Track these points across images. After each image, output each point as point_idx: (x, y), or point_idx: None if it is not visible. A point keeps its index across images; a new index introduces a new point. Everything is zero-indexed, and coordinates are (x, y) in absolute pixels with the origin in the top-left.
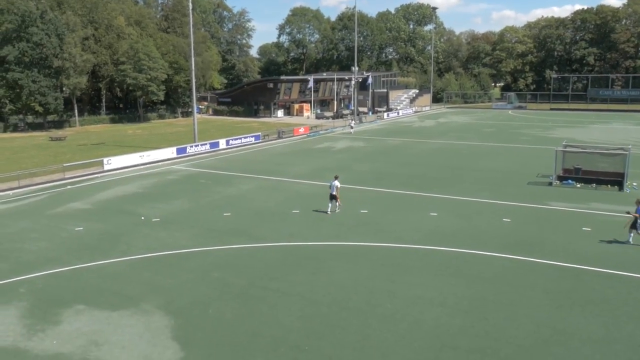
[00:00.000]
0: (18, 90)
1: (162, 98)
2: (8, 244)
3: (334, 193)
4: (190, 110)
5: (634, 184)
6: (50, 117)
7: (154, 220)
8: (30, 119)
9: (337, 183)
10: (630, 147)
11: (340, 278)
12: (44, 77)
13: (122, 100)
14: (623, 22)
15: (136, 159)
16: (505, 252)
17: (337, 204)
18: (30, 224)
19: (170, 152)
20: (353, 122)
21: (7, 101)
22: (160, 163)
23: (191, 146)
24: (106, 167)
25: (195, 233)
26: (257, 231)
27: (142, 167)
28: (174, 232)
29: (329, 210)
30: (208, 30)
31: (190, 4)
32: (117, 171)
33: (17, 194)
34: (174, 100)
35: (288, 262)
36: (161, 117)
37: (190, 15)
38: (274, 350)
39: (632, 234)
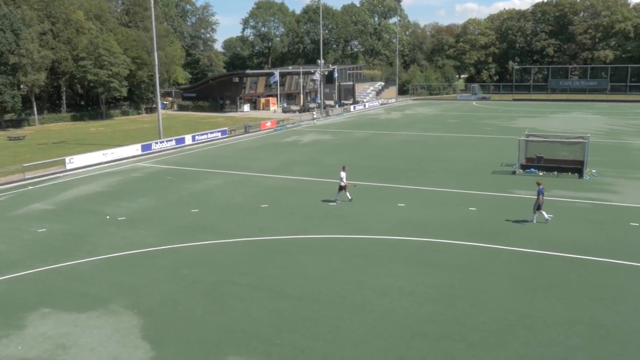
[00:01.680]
0: None
1: (125, 94)
2: None
3: (342, 184)
4: (154, 106)
5: (593, 171)
6: (7, 116)
7: (119, 219)
8: None
9: (342, 174)
10: (589, 135)
11: (310, 271)
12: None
13: (83, 97)
14: (580, 15)
15: (99, 157)
16: (472, 240)
17: (347, 194)
18: None
19: (134, 150)
20: (316, 113)
21: None
22: (124, 161)
23: (156, 143)
24: (68, 167)
25: (162, 230)
26: (225, 227)
27: (106, 165)
28: (141, 231)
29: (337, 199)
30: (171, 24)
31: None
32: (80, 170)
33: None
34: (137, 96)
35: (258, 256)
36: (125, 113)
37: (152, 9)
38: (246, 345)
39: (535, 214)
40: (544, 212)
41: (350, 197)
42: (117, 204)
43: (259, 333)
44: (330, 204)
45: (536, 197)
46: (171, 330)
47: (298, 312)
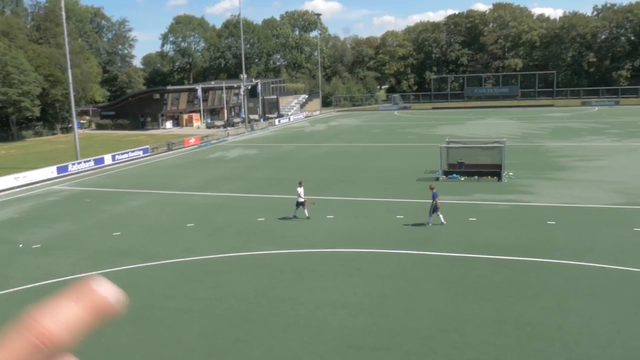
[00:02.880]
0: None
1: (37, 114)
2: None
3: (301, 200)
4: (70, 125)
5: (510, 173)
6: None
7: (34, 246)
8: None
9: (299, 190)
10: (505, 139)
11: (241, 290)
12: None
13: None
14: (490, 25)
15: (10, 181)
16: (401, 248)
17: (305, 211)
18: None
19: (49, 172)
20: (229, 129)
21: None
22: (39, 184)
23: (73, 164)
24: None
25: (82, 257)
26: (150, 249)
27: (17, 189)
28: (58, 258)
29: (294, 215)
30: (86, 40)
31: (64, 13)
32: None
33: None
34: (51, 116)
35: (186, 278)
36: (38, 134)
37: (65, 25)
38: None
39: (431, 216)
40: (440, 215)
41: (307, 215)
42: (32, 231)
43: (190, 359)
44: (281, 219)
45: (431, 200)
46: None
47: (230, 334)
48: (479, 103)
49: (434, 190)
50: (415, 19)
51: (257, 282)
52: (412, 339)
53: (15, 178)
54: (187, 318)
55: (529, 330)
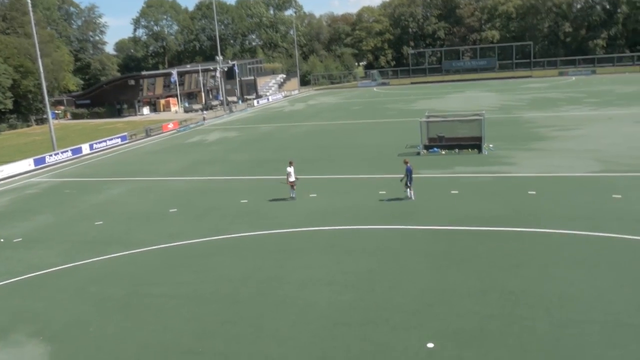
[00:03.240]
0: None
1: (10, 106)
2: None
3: (292, 179)
4: (45, 116)
5: (491, 145)
6: None
7: (15, 240)
8: None
9: (289, 169)
10: (484, 112)
11: (227, 272)
12: None
13: None
14: None
15: None
16: (385, 223)
17: (292, 190)
18: None
19: (26, 165)
20: (205, 113)
21: None
22: (16, 177)
23: (50, 155)
24: None
25: (65, 248)
26: (133, 236)
27: None
28: (40, 251)
29: (292, 196)
30: (55, 29)
31: (30, 1)
32: None
33: None
34: (25, 108)
35: (171, 264)
36: (12, 127)
37: (31, 13)
38: (165, 358)
39: (409, 191)
40: (410, 190)
41: (292, 195)
42: (11, 225)
43: (179, 344)
44: (288, 200)
45: (404, 175)
46: (83, 353)
47: (218, 317)
48: (457, 76)
49: (408, 165)
50: None
51: (243, 263)
52: (399, 312)
53: None
54: (175, 303)
55: (513, 298)
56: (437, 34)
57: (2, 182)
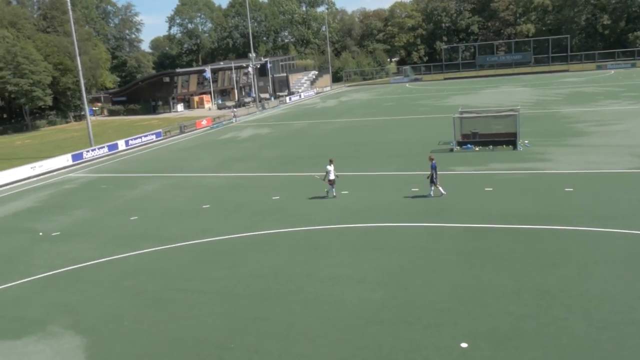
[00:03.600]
0: None
1: (50, 103)
2: None
3: (332, 177)
4: (83, 113)
5: (526, 141)
6: None
7: (53, 234)
8: None
9: (329, 167)
10: (519, 107)
11: (258, 268)
12: None
13: (5, 110)
14: None
15: (27, 171)
16: (417, 220)
17: (332, 189)
18: None
19: (65, 160)
20: (236, 110)
21: None
22: (55, 173)
23: (88, 151)
24: None
25: (100, 242)
26: (167, 232)
27: (34, 179)
28: (77, 245)
29: (333, 194)
30: (93, 27)
31: (69, 0)
32: (7, 187)
33: None
34: (63, 104)
35: (203, 259)
36: (52, 123)
37: (70, 12)
38: (197, 353)
39: (432, 188)
40: (440, 187)
41: (330, 193)
42: (50, 219)
43: (211, 339)
44: (326, 198)
45: (430, 171)
46: (117, 346)
47: (249, 313)
48: (491, 71)
49: (433, 161)
50: None
51: (275, 260)
52: (432, 311)
53: (31, 167)
54: (207, 298)
55: (549, 298)
56: (470, 29)
57: (41, 177)
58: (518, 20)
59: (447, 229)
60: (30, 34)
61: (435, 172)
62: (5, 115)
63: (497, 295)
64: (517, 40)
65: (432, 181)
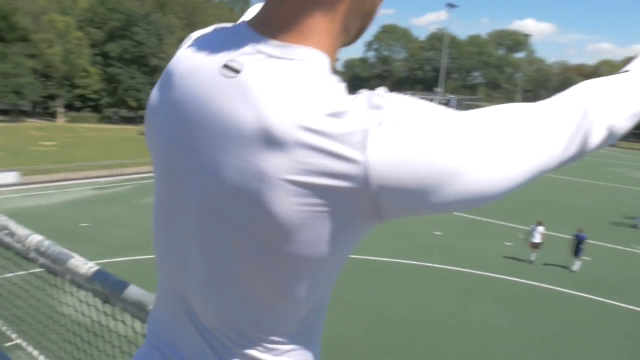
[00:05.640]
0: (116, 85)
1: None
2: (98, 227)
3: (536, 241)
4: None
5: None
6: (141, 113)
7: None
8: (123, 112)
9: (539, 229)
10: None
11: (410, 296)
12: (141, 74)
13: None
14: None
15: None
16: (584, 291)
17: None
18: (119, 210)
19: None
20: None
21: (106, 94)
22: None
23: None
24: None
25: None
26: None
27: None
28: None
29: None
30: None
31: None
32: None
33: (109, 182)
34: None
35: (359, 275)
36: None
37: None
38: (339, 357)
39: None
40: (578, 261)
41: (532, 259)
42: None
43: (354, 350)
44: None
45: (576, 242)
46: None
47: (394, 335)
48: None
49: (582, 233)
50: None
51: (427, 293)
52: None
53: None
54: (357, 313)
55: None
56: None
57: None
58: None
59: (617, 308)
60: None
61: (582, 244)
62: None
63: None
64: None
65: (576, 254)
